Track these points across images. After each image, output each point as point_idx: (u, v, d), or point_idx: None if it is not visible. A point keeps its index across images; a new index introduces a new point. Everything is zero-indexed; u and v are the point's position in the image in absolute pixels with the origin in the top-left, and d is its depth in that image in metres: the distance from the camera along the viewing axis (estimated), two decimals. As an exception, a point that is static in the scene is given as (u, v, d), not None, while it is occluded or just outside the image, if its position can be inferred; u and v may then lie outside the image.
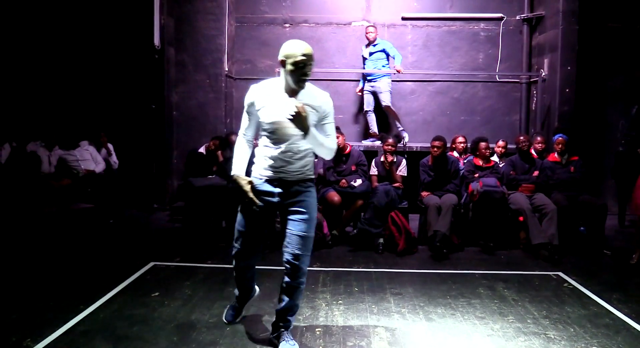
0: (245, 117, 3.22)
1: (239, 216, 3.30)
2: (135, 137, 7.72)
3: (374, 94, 7.75)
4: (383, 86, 7.66)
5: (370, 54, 7.66)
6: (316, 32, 8.40)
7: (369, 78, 7.74)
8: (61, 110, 7.73)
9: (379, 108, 7.82)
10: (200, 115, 7.80)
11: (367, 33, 7.67)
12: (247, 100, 3.15)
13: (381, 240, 5.74)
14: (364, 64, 7.79)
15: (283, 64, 3.02)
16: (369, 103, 7.80)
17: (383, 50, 7.62)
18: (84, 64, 7.83)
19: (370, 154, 6.97)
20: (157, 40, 7.46)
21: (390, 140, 6.20)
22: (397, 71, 7.58)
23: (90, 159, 6.78)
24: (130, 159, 7.59)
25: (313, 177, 3.26)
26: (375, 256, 5.52)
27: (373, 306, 4.01)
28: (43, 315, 3.68)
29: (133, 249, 5.56)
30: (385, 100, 7.66)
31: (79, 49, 7.83)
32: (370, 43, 7.69)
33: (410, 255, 5.61)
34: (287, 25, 8.41)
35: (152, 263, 5.00)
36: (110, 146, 7.12)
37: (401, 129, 7.80)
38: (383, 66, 7.68)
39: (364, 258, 5.38)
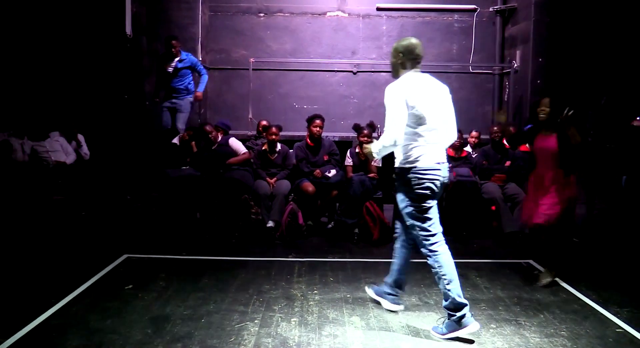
0: None
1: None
2: (107, 128, 7.59)
3: (173, 111, 7.22)
4: (185, 105, 7.19)
5: (176, 70, 7.08)
6: (291, 22, 8.36)
7: (173, 94, 7.17)
8: (31, 100, 7.55)
9: None
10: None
11: (172, 47, 7.03)
12: None
13: (356, 230, 5.78)
14: (170, 81, 7.12)
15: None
16: (167, 122, 7.24)
17: (190, 66, 7.14)
18: (55, 54, 7.65)
19: (344, 144, 6.99)
20: (128, 29, 7.32)
21: (366, 132, 6.22)
22: (197, 96, 7.21)
23: (60, 150, 6.64)
24: (102, 149, 7.46)
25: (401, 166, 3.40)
26: (351, 246, 5.55)
27: (348, 295, 4.04)
28: (14, 310, 3.62)
29: (106, 241, 5.48)
30: (181, 120, 7.16)
31: (49, 38, 7.64)
32: (174, 57, 7.07)
33: (385, 244, 5.65)
34: (261, 14, 8.35)
35: (125, 256, 4.94)
36: (80, 137, 6.99)
37: None
38: (189, 83, 7.20)
39: (339, 248, 5.41)
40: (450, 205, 5.97)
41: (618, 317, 3.65)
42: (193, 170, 6.36)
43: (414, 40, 3.42)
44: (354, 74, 8.38)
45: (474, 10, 8.33)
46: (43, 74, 7.61)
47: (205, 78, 7.22)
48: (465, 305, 3.27)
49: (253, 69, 7.98)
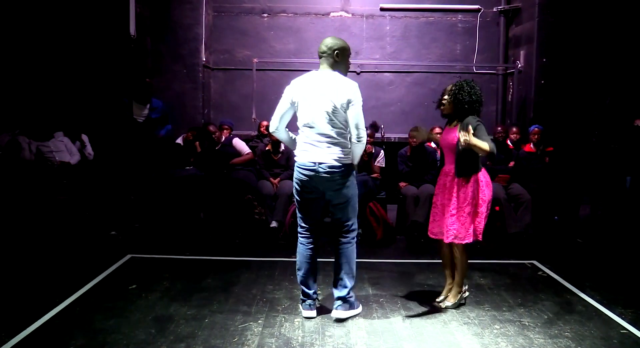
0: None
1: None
2: (111, 128, 7.60)
3: None
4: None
5: (149, 120, 5.93)
6: (294, 22, 8.35)
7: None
8: (35, 101, 7.57)
9: None
10: (178, 105, 7.70)
11: (149, 87, 6.04)
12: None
13: (359, 231, 5.77)
14: (139, 133, 5.92)
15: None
16: None
17: (162, 116, 6.12)
18: (59, 54, 7.66)
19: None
20: (132, 30, 7.33)
21: (369, 131, 6.21)
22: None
23: (64, 150, 6.65)
24: (106, 150, 7.47)
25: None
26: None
27: (351, 296, 4.04)
28: (18, 309, 3.63)
29: (110, 241, 5.49)
30: None
31: (52, 39, 7.66)
32: (146, 102, 5.94)
33: (388, 245, 5.65)
34: (265, 15, 8.34)
35: (129, 256, 4.96)
36: (85, 137, 7.00)
37: None
38: (161, 131, 6.18)
39: (342, 249, 5.39)
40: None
41: (622, 318, 3.63)
42: (197, 170, 6.37)
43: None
44: (357, 74, 8.36)
45: (478, 10, 8.30)
46: (47, 74, 7.63)
47: (169, 128, 6.42)
48: (307, 294, 3.58)
49: (256, 69, 7.98)
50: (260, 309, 3.72)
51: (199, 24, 7.74)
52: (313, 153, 3.43)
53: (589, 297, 4.06)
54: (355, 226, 3.63)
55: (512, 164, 6.27)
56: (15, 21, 7.57)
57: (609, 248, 5.61)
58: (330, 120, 3.39)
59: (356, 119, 3.41)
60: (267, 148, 6.34)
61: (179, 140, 6.96)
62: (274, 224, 5.82)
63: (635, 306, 3.86)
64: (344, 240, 3.59)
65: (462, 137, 3.45)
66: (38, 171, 6.34)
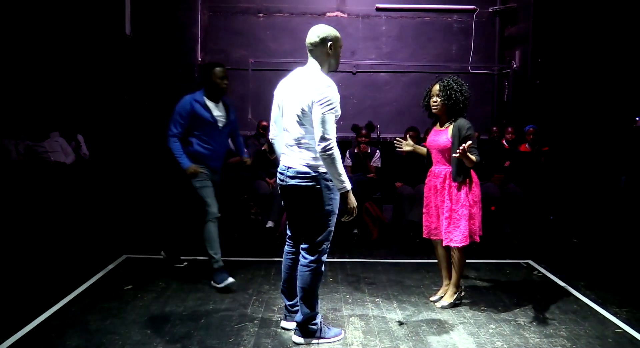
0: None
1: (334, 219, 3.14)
2: (106, 129, 7.58)
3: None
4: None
5: (228, 125, 4.54)
6: (290, 22, 8.35)
7: (213, 163, 4.48)
8: (31, 101, 7.54)
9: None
10: (173, 105, 7.68)
11: (225, 79, 4.40)
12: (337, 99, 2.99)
13: (355, 231, 5.78)
14: (215, 139, 4.45)
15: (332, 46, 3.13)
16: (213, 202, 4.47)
17: (234, 111, 4.58)
18: (54, 54, 7.64)
19: (344, 145, 6.98)
20: (128, 29, 7.31)
21: (364, 132, 6.23)
22: (247, 161, 5.01)
23: (60, 150, 6.63)
24: (101, 150, 7.45)
25: None
26: (350, 246, 5.55)
27: (347, 296, 4.04)
28: (13, 310, 3.62)
29: (105, 242, 5.48)
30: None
31: (48, 39, 7.64)
32: (218, 98, 4.46)
33: (384, 244, 5.66)
34: (261, 14, 8.33)
35: (124, 256, 4.94)
36: (80, 138, 6.98)
37: None
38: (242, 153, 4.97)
39: (338, 249, 5.40)
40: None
41: (617, 317, 3.65)
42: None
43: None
44: (353, 74, 8.37)
45: (473, 10, 8.32)
46: (43, 74, 7.61)
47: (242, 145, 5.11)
48: (285, 304, 3.38)
49: (252, 69, 7.97)
50: (256, 309, 3.72)
51: (194, 24, 7.72)
52: (287, 157, 3.14)
53: (584, 296, 4.08)
54: (322, 251, 3.09)
55: (507, 163, 6.28)
56: (10, 21, 7.54)
57: (604, 247, 5.62)
58: (301, 123, 3.00)
59: (318, 122, 2.88)
60: (263, 148, 6.33)
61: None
62: (269, 224, 5.81)
63: (630, 305, 3.88)
64: (301, 261, 3.11)
65: (458, 152, 3.44)
66: (28, 172, 6.31)
